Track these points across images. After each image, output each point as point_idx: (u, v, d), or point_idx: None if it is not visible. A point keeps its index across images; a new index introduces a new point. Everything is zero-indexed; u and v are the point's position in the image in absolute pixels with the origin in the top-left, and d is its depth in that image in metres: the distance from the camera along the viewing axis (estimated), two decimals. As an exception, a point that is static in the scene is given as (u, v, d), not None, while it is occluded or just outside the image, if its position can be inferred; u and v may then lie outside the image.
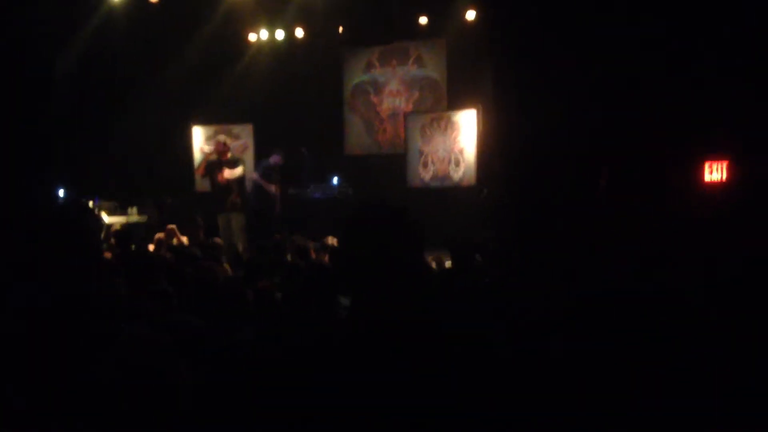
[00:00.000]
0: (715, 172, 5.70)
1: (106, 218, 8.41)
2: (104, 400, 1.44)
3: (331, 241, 5.63)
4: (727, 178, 5.67)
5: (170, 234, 6.80)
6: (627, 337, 1.88)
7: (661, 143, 5.43)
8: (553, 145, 5.72)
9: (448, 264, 5.14)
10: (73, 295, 1.49)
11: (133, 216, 9.15)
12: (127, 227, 7.61)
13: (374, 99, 11.88)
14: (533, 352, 1.83)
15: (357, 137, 12.00)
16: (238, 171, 8.20)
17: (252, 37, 11.34)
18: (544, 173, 5.40)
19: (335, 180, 10.87)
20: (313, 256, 5.53)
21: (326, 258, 5.47)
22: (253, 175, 9.11)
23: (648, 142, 5.54)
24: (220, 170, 8.18)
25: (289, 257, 5.69)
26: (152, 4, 9.67)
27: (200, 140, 11.08)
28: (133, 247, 5.55)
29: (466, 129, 9.85)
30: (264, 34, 11.26)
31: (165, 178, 10.74)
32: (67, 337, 1.48)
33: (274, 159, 9.00)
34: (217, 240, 6.11)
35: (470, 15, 9.84)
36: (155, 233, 7.03)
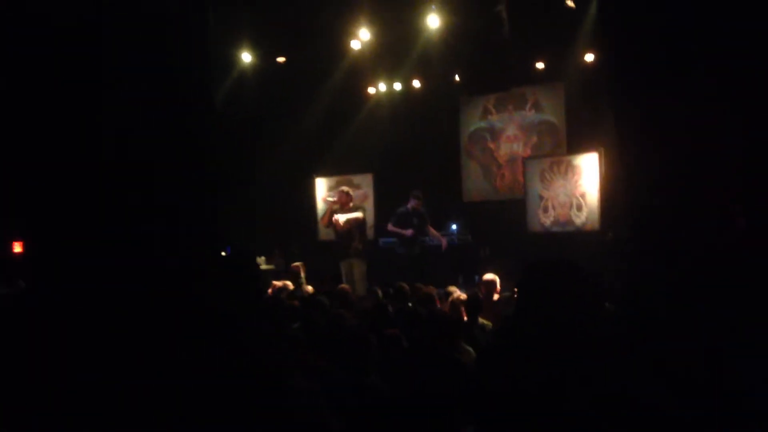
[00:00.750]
0: None
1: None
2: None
3: (452, 290, 5.63)
4: None
5: (295, 273, 7.05)
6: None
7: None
8: (684, 185, 5.47)
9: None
10: (247, 333, 1.61)
11: (262, 265, 9.56)
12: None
13: (491, 145, 11.88)
14: (681, 407, 1.75)
15: (475, 183, 12.01)
16: (355, 214, 8.39)
17: (371, 90, 11.77)
18: (675, 216, 5.17)
19: (454, 227, 10.88)
20: (438, 304, 5.54)
21: (448, 307, 5.47)
22: (389, 227, 9.20)
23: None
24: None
25: (410, 305, 5.73)
26: (279, 63, 10.29)
27: (323, 191, 11.52)
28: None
29: (587, 173, 9.63)
30: (382, 87, 11.66)
31: (290, 228, 11.24)
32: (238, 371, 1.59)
33: (412, 203, 9.12)
34: (344, 286, 6.26)
35: (589, 57, 9.71)
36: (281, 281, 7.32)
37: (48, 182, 2.20)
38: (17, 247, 10.20)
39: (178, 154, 2.38)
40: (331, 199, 8.83)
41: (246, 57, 10.08)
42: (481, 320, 4.88)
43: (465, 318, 4.99)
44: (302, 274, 7.37)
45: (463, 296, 5.47)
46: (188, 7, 2.57)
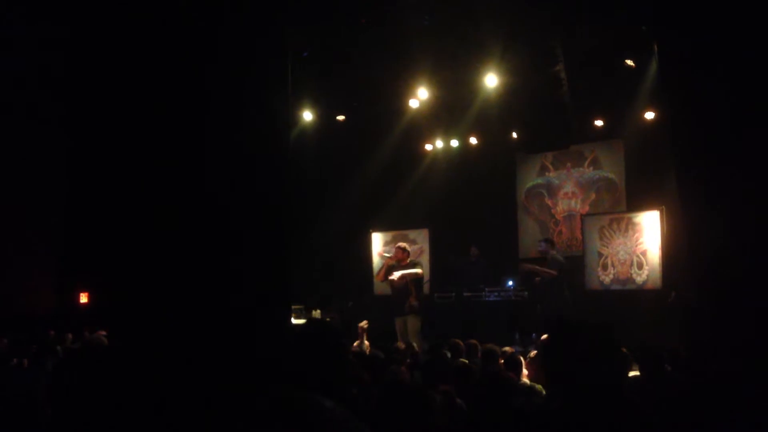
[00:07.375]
0: None
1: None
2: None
3: (507, 350, 5.53)
4: None
5: (360, 332, 7.01)
6: None
7: None
8: (749, 246, 5.31)
9: (633, 373, 4.85)
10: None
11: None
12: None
13: (549, 201, 11.82)
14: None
15: (532, 239, 11.89)
16: (412, 270, 8.38)
17: (428, 146, 11.91)
18: (743, 275, 5.01)
19: (510, 282, 10.75)
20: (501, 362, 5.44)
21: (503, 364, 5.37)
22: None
23: None
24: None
25: (465, 360, 5.66)
26: (338, 121, 10.57)
27: (379, 245, 11.60)
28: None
29: (648, 230, 9.43)
30: (439, 144, 11.79)
31: (346, 282, 11.32)
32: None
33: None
34: (400, 344, 6.24)
35: (649, 115, 9.64)
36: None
37: (129, 238, 2.32)
38: (83, 298, 10.57)
39: (258, 216, 2.48)
40: (387, 255, 8.88)
41: (307, 115, 10.38)
42: (528, 382, 4.77)
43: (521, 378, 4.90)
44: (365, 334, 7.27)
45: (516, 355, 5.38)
46: (271, 76, 2.71)
